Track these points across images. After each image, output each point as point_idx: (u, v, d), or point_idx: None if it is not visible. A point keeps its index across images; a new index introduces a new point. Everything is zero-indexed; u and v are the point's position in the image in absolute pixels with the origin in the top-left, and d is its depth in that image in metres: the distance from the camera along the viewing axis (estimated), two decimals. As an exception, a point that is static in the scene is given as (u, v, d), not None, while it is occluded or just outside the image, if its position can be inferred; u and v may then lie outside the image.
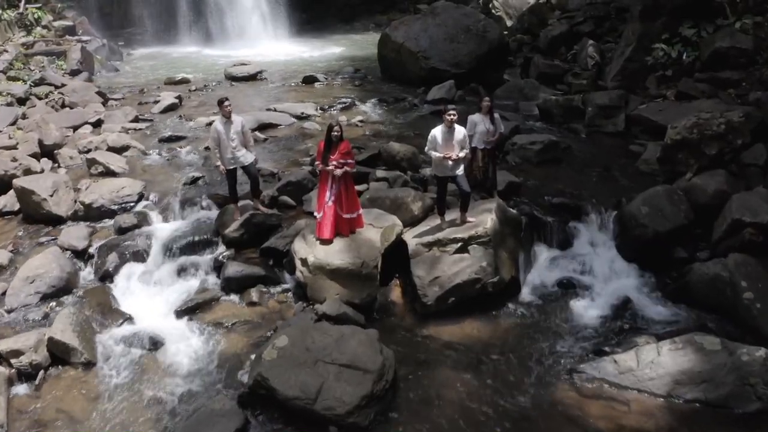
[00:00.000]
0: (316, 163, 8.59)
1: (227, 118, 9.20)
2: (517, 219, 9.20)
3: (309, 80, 18.76)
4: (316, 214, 8.64)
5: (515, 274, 8.66)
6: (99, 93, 17.57)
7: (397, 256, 8.88)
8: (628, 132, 13.75)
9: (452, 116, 8.26)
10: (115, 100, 17.55)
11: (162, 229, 10.02)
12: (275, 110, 15.32)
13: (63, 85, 18.43)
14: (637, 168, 11.82)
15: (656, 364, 7.21)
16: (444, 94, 16.55)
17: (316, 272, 8.21)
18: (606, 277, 9.36)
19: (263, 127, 14.17)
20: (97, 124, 15.16)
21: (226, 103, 9.16)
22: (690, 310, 8.55)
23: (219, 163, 9.35)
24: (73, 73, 20.85)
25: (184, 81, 19.36)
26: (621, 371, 7.27)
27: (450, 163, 8.29)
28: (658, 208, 9.58)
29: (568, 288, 9.08)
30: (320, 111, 15.63)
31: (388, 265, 8.74)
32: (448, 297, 8.23)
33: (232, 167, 9.37)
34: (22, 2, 24.27)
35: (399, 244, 8.87)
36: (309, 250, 8.38)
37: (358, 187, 10.27)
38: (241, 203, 9.77)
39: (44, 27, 24.85)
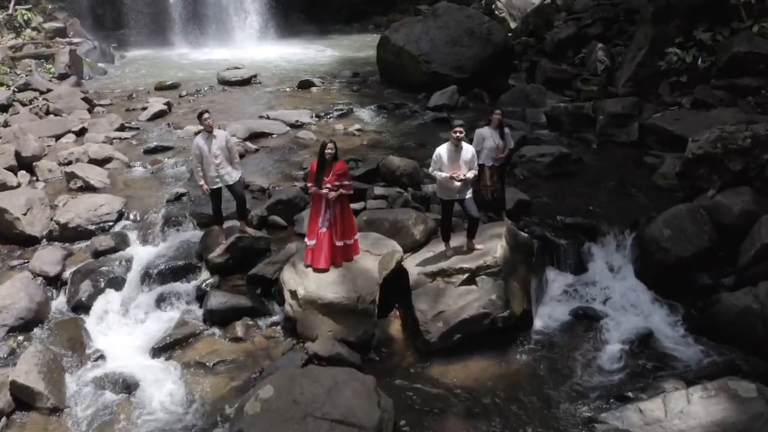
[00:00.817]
0: (309, 184, 7.79)
1: (209, 132, 8.40)
2: (529, 243, 8.41)
3: (305, 85, 17.94)
4: (307, 241, 7.83)
5: (527, 307, 7.87)
6: (85, 99, 16.76)
7: (396, 284, 8.10)
8: (641, 142, 12.96)
9: (459, 134, 7.45)
10: (102, 106, 16.73)
11: (141, 253, 9.25)
12: (268, 118, 14.51)
13: (49, 91, 17.63)
14: (653, 182, 11.05)
15: (686, 414, 6.41)
16: (446, 101, 15.77)
17: (307, 307, 7.41)
18: (625, 307, 8.62)
19: (255, 136, 13.37)
20: (81, 133, 14.34)
21: (206, 116, 8.35)
22: (718, 346, 7.81)
23: (202, 182, 8.54)
24: (61, 77, 20.05)
25: (175, 85, 18.55)
26: (647, 422, 6.47)
27: (457, 184, 7.48)
28: (681, 229, 8.82)
29: (584, 320, 8.31)
30: (316, 118, 14.81)
31: (387, 293, 7.96)
32: (454, 333, 7.43)
33: (216, 186, 8.56)
34: (12, 3, 23.49)
35: (399, 272, 8.09)
36: (299, 281, 7.58)
37: (354, 205, 9.52)
38: (226, 225, 8.98)
39: (34, 29, 24.10)
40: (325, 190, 7.52)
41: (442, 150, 7.56)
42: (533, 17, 21.32)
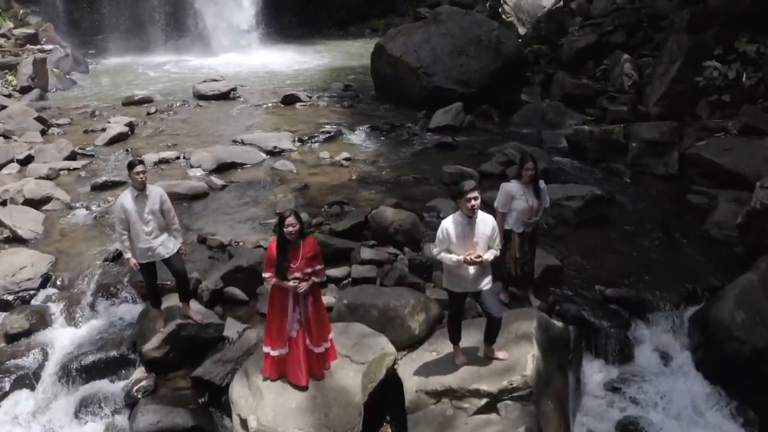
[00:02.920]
0: (266, 275, 5.60)
1: (140, 190, 6.34)
2: (564, 337, 6.35)
3: (289, 100, 15.80)
4: (270, 350, 5.68)
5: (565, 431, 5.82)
6: (39, 118, 14.63)
7: (388, 391, 6.08)
8: (683, 174, 10.94)
9: (474, 201, 5.37)
10: (59, 126, 14.61)
11: (63, 337, 7.22)
12: (242, 143, 12.43)
13: (3, 108, 15.58)
14: (706, 231, 9.03)
15: None
16: (450, 120, 13.74)
17: (262, 445, 5.37)
18: (685, 414, 6.61)
19: (224, 168, 11.24)
20: (27, 162, 12.26)
21: (138, 168, 6.27)
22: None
23: (128, 254, 6.46)
24: (23, 91, 18.04)
25: (145, 100, 16.45)
26: None
27: (471, 271, 5.42)
28: (756, 310, 6.85)
29: (635, 436, 6.29)
30: (298, 143, 12.71)
31: (374, 406, 5.94)
32: (465, 479, 5.40)
33: (147, 261, 6.50)
34: (-21, 9, 21.56)
35: (391, 377, 6.06)
36: (251, 403, 5.52)
37: (335, 270, 7.56)
38: (167, 304, 6.92)
39: (2, 35, 22.14)
40: (292, 283, 5.46)
41: (449, 224, 5.45)
42: (545, 22, 19.21)
